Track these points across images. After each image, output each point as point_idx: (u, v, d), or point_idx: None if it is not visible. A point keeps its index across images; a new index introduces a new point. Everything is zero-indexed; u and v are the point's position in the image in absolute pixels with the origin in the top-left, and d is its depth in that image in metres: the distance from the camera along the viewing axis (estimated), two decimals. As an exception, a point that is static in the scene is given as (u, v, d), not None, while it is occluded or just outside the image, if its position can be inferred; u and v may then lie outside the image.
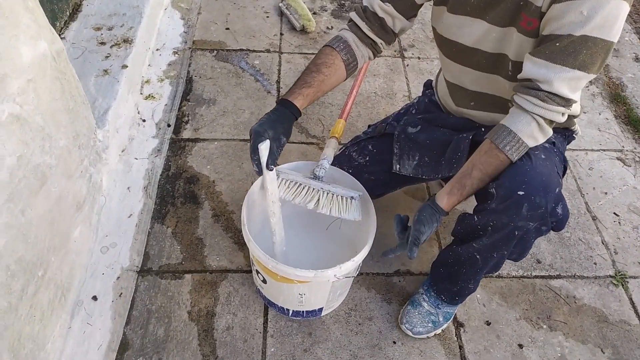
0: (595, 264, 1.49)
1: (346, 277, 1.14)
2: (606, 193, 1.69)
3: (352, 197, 1.16)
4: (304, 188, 1.16)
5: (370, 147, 1.32)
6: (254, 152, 1.03)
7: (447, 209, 1.06)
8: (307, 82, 1.10)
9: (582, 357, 1.29)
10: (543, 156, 1.03)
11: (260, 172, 1.06)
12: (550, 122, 0.98)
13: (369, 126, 1.47)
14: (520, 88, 0.98)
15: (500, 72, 1.10)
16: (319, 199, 1.15)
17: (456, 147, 1.19)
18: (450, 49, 1.16)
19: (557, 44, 0.92)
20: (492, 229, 1.05)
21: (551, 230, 1.07)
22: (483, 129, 1.19)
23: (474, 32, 1.07)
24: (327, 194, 1.15)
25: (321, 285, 1.15)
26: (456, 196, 1.05)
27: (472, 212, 1.10)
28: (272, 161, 1.04)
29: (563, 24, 0.91)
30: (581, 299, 1.41)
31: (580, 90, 0.97)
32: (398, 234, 1.09)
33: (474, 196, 1.12)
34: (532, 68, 0.95)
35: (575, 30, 0.90)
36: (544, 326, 1.34)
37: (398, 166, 1.27)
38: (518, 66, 1.01)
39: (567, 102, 0.95)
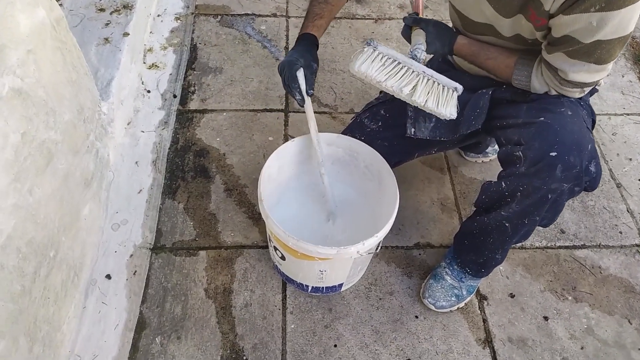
0: (620, 232, 1.44)
1: (369, 253, 1.09)
2: (631, 159, 1.63)
3: (455, 88, 1.02)
4: (401, 68, 1.01)
5: (382, 111, 1.25)
6: (293, 80, 1.04)
7: (455, 51, 1.12)
8: (318, 13, 1.12)
9: (609, 328, 1.26)
10: (570, 112, 0.99)
11: (303, 101, 1.07)
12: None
13: (381, 91, 1.40)
14: (546, 59, 0.99)
15: (520, 42, 1.06)
16: (416, 85, 1.00)
17: (475, 104, 1.13)
18: (465, 22, 1.12)
19: (570, 48, 0.92)
20: (521, 195, 1.01)
21: (583, 191, 1.02)
22: (504, 86, 1.14)
23: (484, 13, 1.04)
24: (428, 80, 1.01)
25: (343, 261, 1.11)
26: (468, 53, 1.12)
27: (497, 179, 1.05)
28: (310, 86, 1.05)
29: (574, 32, 0.90)
30: (607, 269, 1.37)
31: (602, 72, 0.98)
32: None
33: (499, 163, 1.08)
34: (550, 57, 0.97)
35: (586, 39, 0.90)
36: (569, 297, 1.31)
37: (413, 129, 1.20)
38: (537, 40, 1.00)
39: (585, 84, 0.98)
